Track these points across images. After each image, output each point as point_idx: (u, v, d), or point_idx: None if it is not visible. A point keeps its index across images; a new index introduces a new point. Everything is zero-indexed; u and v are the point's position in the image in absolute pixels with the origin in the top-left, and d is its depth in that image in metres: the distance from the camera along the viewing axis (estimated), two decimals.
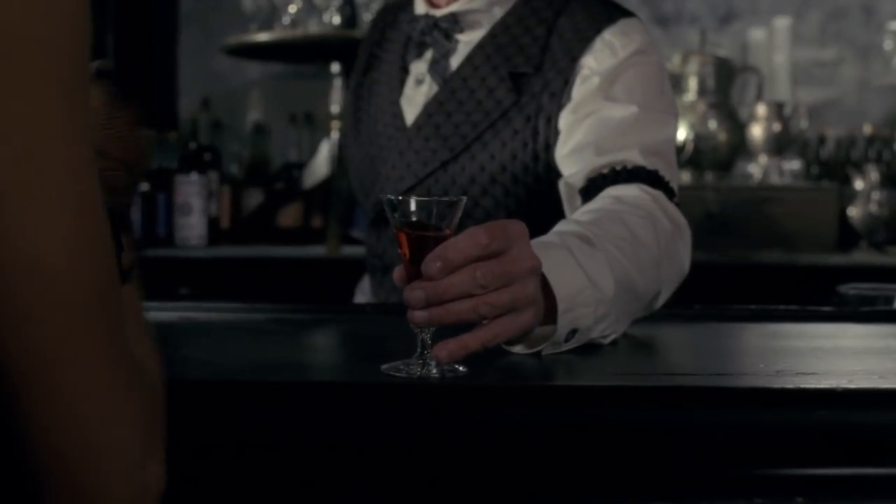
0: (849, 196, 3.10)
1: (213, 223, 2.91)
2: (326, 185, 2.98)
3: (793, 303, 2.17)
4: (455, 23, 1.56)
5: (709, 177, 3.12)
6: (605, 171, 1.33)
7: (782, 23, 3.40)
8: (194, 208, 2.84)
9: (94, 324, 0.61)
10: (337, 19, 2.96)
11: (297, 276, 2.80)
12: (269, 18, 3.04)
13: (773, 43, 3.41)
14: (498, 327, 0.91)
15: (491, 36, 1.54)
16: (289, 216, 3.04)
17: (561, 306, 0.96)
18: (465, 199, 0.94)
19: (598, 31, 1.46)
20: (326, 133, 3.07)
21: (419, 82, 1.58)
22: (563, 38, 1.49)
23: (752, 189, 3.04)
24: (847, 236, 3.07)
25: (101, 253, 0.62)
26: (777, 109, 3.10)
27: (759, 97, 3.20)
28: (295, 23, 2.97)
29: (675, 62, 3.16)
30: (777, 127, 3.10)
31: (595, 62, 1.45)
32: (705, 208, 2.92)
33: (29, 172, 0.58)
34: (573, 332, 0.99)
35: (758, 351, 1.16)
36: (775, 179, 3.13)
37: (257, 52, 3.14)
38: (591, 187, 1.33)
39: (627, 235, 1.12)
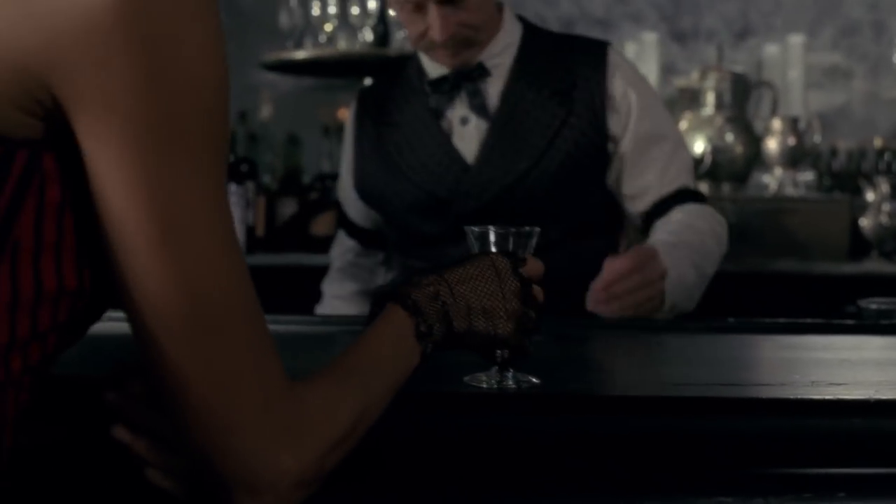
0: (860, 207, 3.21)
1: (248, 231, 3.03)
2: None
3: (807, 309, 2.30)
4: (484, 71, 1.81)
5: (726, 188, 3.24)
6: (668, 197, 1.81)
7: (796, 39, 3.52)
8: (233, 218, 2.94)
9: (237, 342, 0.75)
10: (370, 36, 3.08)
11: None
12: (302, 34, 3.15)
13: (786, 58, 3.53)
14: (639, 310, 1.53)
15: (516, 72, 1.81)
16: (322, 225, 3.16)
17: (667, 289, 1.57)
18: (538, 230, 1.07)
19: (602, 50, 1.83)
20: None
21: (465, 122, 1.79)
22: (577, 59, 1.82)
23: (768, 200, 3.16)
24: (858, 246, 3.18)
25: (243, 285, 0.76)
26: (792, 124, 3.22)
27: (773, 111, 3.32)
28: (330, 39, 3.09)
29: (693, 77, 3.29)
30: (792, 141, 3.22)
31: (621, 81, 1.80)
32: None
33: (178, 219, 0.72)
34: (672, 306, 1.59)
35: (791, 362, 1.28)
36: (790, 191, 3.25)
37: (293, 68, 3.26)
38: (657, 211, 1.81)
39: (697, 241, 1.71)
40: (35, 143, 0.72)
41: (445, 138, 1.81)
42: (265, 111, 3.36)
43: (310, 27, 3.12)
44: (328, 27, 3.07)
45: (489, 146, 1.77)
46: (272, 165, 3.37)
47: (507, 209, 1.75)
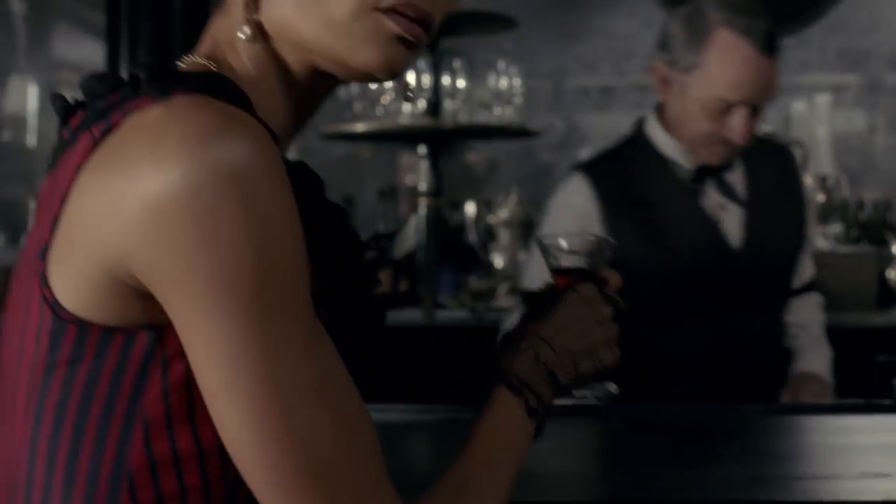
0: (887, 259, 3.37)
1: None
2: (415, 255, 3.29)
3: (841, 359, 2.49)
4: (730, 164, 1.98)
5: None
6: (807, 283, 2.13)
7: (822, 98, 3.70)
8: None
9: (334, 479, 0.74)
10: (423, 104, 3.26)
11: (392, 340, 3.09)
12: (348, 103, 3.32)
13: (814, 116, 3.71)
14: None
15: (746, 164, 2.00)
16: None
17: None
18: (616, 243, 1.04)
19: (791, 152, 2.16)
20: (413, 208, 3.38)
21: (723, 208, 1.98)
22: (780, 157, 2.10)
23: None
24: (886, 296, 3.33)
25: (346, 427, 0.75)
26: (821, 182, 3.39)
27: (803, 169, 3.49)
28: (386, 110, 3.28)
29: None
30: (822, 198, 3.39)
31: (804, 183, 2.18)
32: None
33: (265, 374, 0.72)
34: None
35: (837, 449, 1.44)
36: (821, 244, 3.42)
37: (351, 137, 3.45)
38: (797, 291, 2.12)
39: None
40: (156, 327, 0.74)
41: (713, 224, 1.96)
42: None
43: (366, 98, 3.30)
44: (385, 99, 3.26)
45: (754, 232, 1.98)
46: None
47: (760, 291, 1.99)
